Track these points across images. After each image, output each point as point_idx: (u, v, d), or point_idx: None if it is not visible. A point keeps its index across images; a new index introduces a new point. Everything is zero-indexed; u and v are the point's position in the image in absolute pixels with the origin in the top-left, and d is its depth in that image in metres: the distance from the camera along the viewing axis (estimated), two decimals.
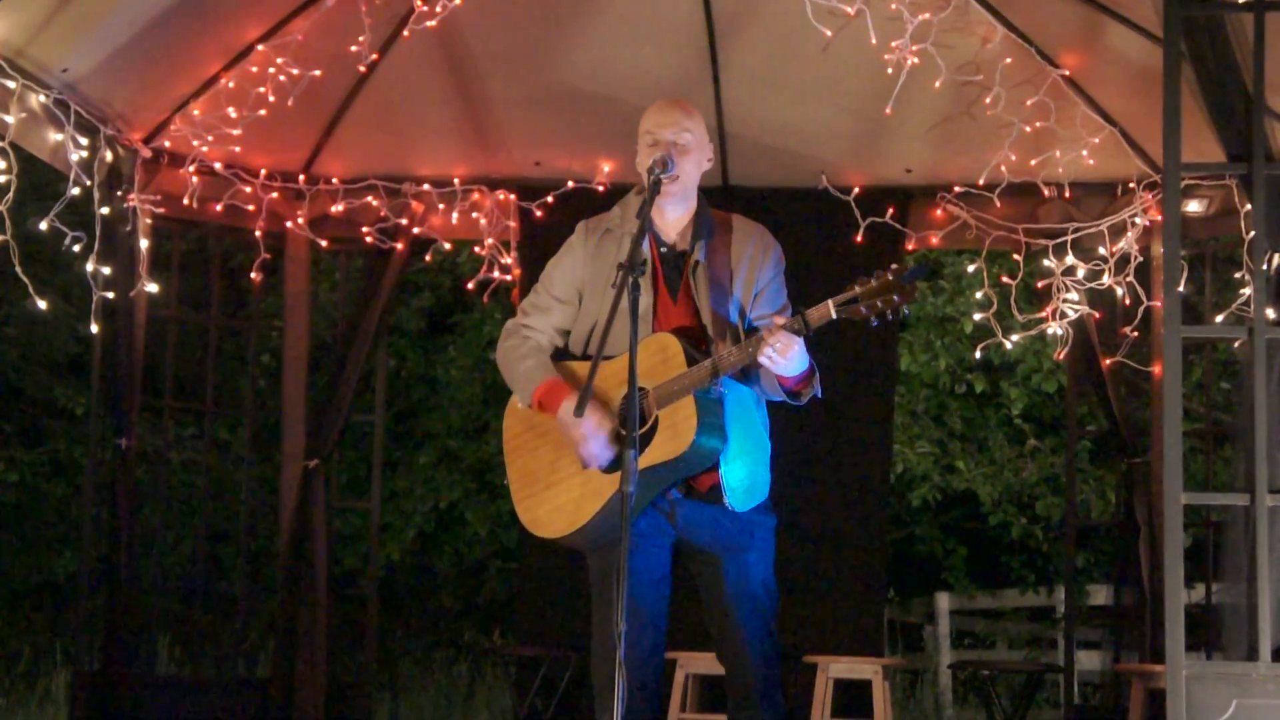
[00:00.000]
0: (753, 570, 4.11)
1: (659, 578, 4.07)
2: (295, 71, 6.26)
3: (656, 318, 4.10)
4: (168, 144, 6.60)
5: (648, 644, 4.00)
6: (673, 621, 4.13)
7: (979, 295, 7.13)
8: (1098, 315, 6.72)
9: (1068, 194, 6.73)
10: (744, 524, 4.10)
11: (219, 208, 6.81)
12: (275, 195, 6.97)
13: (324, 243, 7.10)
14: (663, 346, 4.00)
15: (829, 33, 5.82)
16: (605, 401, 4.04)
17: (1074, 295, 6.68)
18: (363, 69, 6.50)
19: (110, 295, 6.28)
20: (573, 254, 4.26)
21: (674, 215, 4.20)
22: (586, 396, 3.78)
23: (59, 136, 5.90)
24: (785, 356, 3.86)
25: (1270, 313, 5.46)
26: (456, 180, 7.05)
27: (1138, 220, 6.62)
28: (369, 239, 7.04)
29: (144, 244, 6.57)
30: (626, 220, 4.19)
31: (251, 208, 6.89)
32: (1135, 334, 6.63)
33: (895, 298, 3.76)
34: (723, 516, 4.06)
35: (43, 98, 5.77)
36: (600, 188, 6.95)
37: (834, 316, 3.83)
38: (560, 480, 4.11)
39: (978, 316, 7.37)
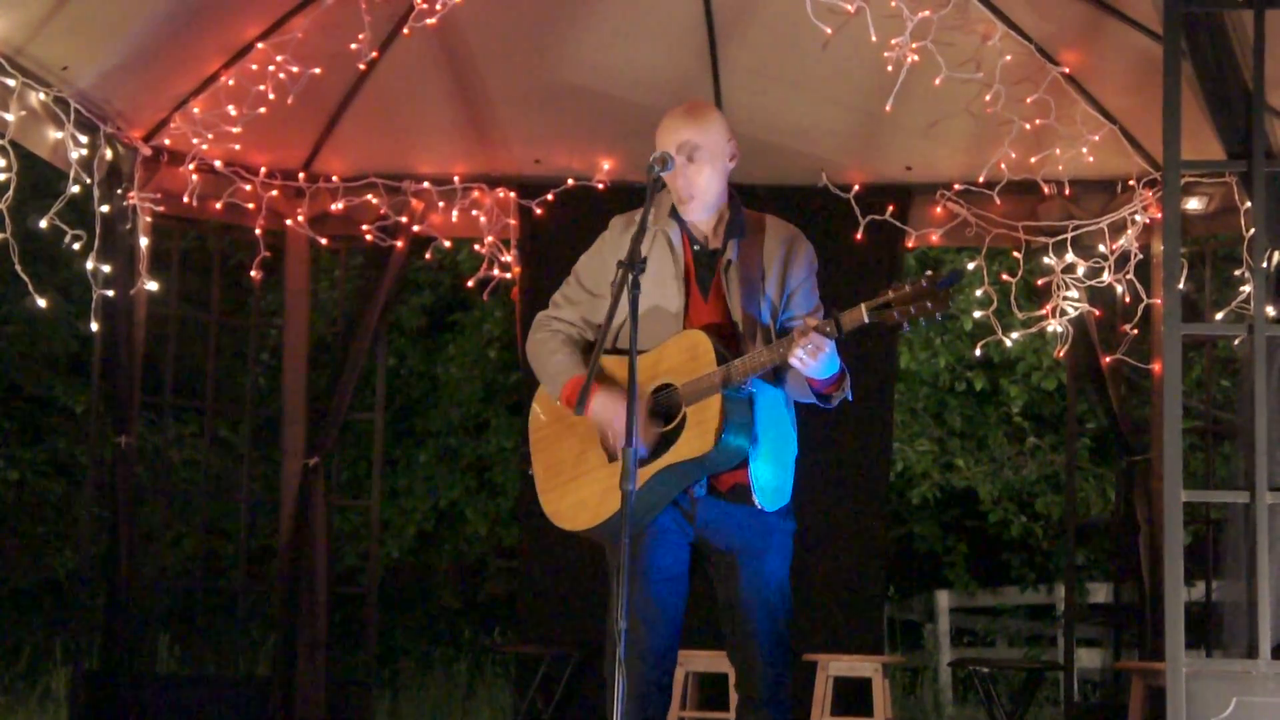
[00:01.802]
0: (769, 574, 4.12)
1: (677, 575, 4.07)
2: (295, 69, 6.26)
3: (688, 315, 4.10)
4: (168, 142, 6.60)
5: (662, 641, 3.99)
6: None
7: (979, 293, 7.15)
8: (1098, 313, 6.72)
9: (1068, 191, 6.73)
10: (764, 527, 4.10)
11: (219, 206, 6.81)
12: (275, 193, 6.97)
13: (324, 240, 7.10)
14: (694, 344, 4.01)
15: (829, 30, 5.82)
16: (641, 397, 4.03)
17: (1074, 293, 6.68)
18: (363, 67, 6.50)
19: (110, 293, 6.28)
20: (603, 248, 4.26)
21: (704, 216, 4.19)
22: (586, 396, 3.78)
23: (59, 134, 5.90)
24: (815, 359, 3.85)
25: (1270, 310, 5.47)
26: (456, 178, 7.05)
27: (1138, 218, 6.62)
28: (369, 237, 7.04)
29: (144, 242, 6.56)
30: (658, 217, 4.19)
31: (251, 206, 6.89)
32: (1135, 331, 6.63)
33: (929, 304, 3.74)
34: (743, 517, 4.07)
35: (43, 96, 5.77)
36: (600, 185, 6.95)
37: (866, 321, 3.82)
38: (586, 473, 4.12)
39: (977, 314, 7.38)
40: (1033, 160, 6.53)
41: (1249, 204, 5.45)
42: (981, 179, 6.70)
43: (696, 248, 4.17)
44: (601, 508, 4.06)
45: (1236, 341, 6.95)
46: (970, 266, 6.97)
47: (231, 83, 6.37)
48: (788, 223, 4.28)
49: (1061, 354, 6.93)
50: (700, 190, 4.11)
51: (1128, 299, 6.61)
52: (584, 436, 4.15)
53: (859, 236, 6.84)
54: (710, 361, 3.96)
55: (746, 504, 4.06)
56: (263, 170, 6.92)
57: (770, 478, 4.06)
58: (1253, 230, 4.81)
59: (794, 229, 4.27)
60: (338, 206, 7.01)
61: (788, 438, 4.13)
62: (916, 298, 3.76)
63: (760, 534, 4.10)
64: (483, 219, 7.06)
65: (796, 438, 4.19)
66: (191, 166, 6.68)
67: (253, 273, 7.11)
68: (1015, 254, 6.84)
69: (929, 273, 3.79)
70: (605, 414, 4.02)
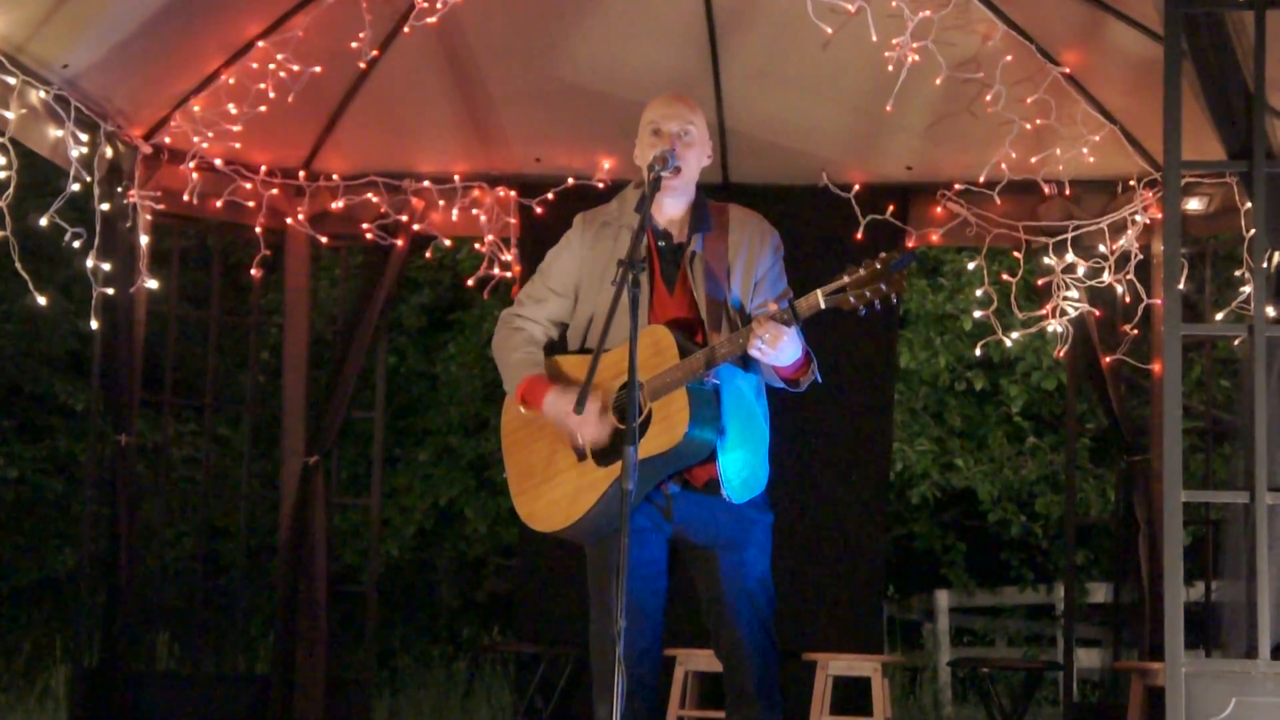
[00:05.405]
0: (749, 568, 4.11)
1: (655, 572, 4.07)
2: (296, 68, 6.26)
3: (653, 310, 4.10)
4: (168, 140, 6.60)
5: (644, 639, 3.99)
6: (672, 618, 4.14)
7: (979, 293, 7.13)
8: (1098, 313, 6.72)
9: (1068, 191, 6.73)
10: (741, 520, 4.10)
11: (219, 204, 6.81)
12: (275, 191, 6.97)
13: (324, 239, 7.10)
14: (656, 339, 4.01)
15: (829, 30, 5.81)
16: (603, 393, 4.05)
17: (1074, 293, 6.68)
18: (363, 65, 6.50)
19: (110, 291, 6.28)
20: (570, 247, 4.27)
21: (672, 208, 4.21)
22: (586, 394, 3.78)
23: (59, 132, 5.90)
24: (775, 347, 3.86)
25: (1270, 310, 5.47)
26: (457, 177, 7.05)
27: (1138, 218, 6.62)
28: (369, 235, 7.04)
29: (144, 240, 6.57)
30: (624, 214, 4.20)
31: (252, 204, 6.89)
32: (1135, 332, 6.63)
33: (883, 287, 3.76)
34: (720, 511, 4.07)
35: (43, 94, 5.77)
36: (601, 184, 6.95)
37: (822, 306, 3.83)
38: (556, 474, 4.12)
39: (978, 314, 7.37)
40: (1033, 160, 6.53)
41: (1249, 204, 5.45)
42: (982, 179, 6.70)
43: (661, 243, 4.18)
44: (573, 508, 4.06)
45: (1236, 342, 6.95)
46: (971, 266, 6.96)
47: (232, 81, 6.37)
48: (752, 211, 4.29)
49: (1061, 354, 6.92)
50: (685, 166, 4.13)
51: (1128, 299, 6.61)
52: (554, 438, 4.14)
53: (859, 236, 6.84)
54: (673, 355, 3.97)
55: (722, 498, 4.05)
56: (263, 169, 6.92)
57: (739, 470, 4.04)
58: (1253, 231, 4.81)
59: (758, 216, 4.28)
60: (338, 205, 7.01)
61: (758, 427, 4.12)
62: (871, 280, 3.77)
63: (738, 527, 4.09)
64: (483, 218, 7.06)
65: (768, 428, 4.16)
66: (192, 165, 6.68)
67: (253, 271, 7.11)
68: (1015, 254, 6.84)
69: (883, 255, 3.80)
70: (554, 411, 4.04)
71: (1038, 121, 6.33)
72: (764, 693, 4.09)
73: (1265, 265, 4.72)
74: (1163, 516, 4.43)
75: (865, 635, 6.89)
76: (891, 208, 6.87)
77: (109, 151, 6.27)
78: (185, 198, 6.69)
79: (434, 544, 12.37)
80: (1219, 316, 6.61)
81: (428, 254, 7.40)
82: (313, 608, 6.98)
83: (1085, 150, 6.44)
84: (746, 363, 4.07)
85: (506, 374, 4.24)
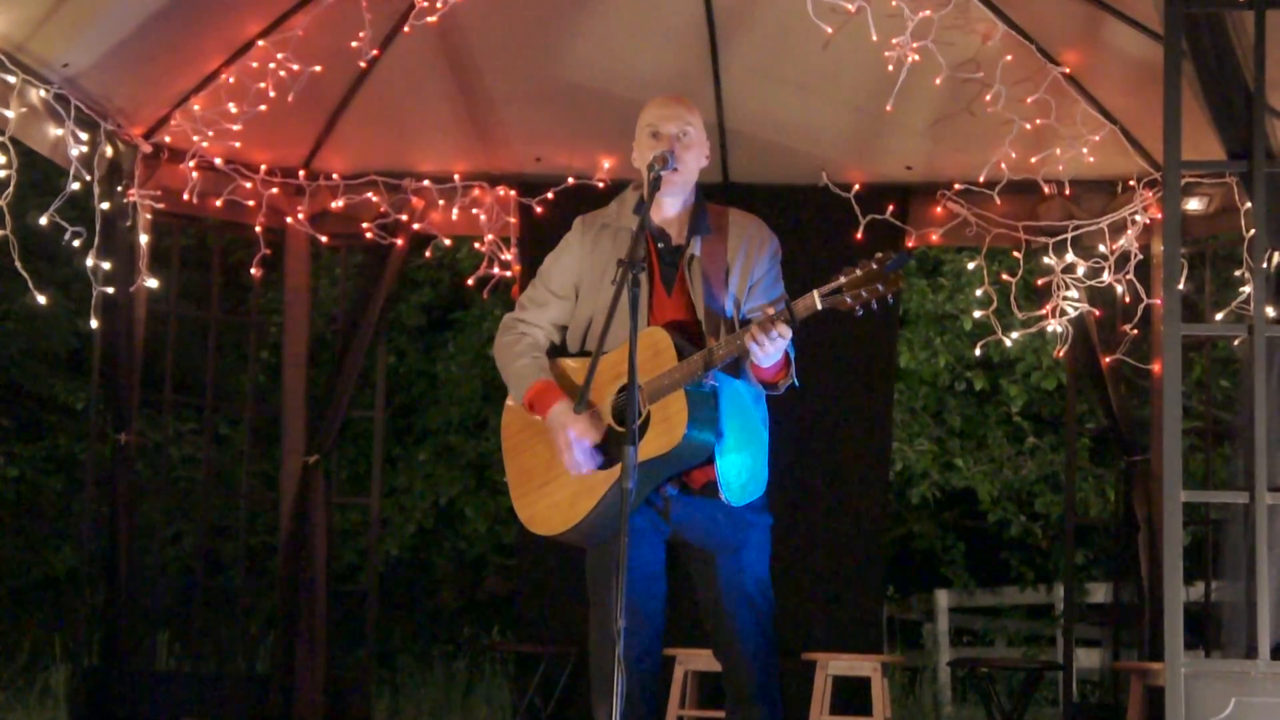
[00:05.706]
0: (747, 569, 4.12)
1: (653, 574, 4.07)
2: (296, 67, 6.26)
3: (651, 312, 4.10)
4: (168, 139, 6.60)
5: (643, 640, 4.00)
6: (672, 618, 4.14)
7: (979, 292, 7.14)
8: (1098, 313, 6.73)
9: (1068, 191, 6.73)
10: (739, 522, 4.10)
11: (219, 203, 6.81)
12: (275, 191, 6.97)
13: (324, 238, 7.10)
14: (654, 341, 4.01)
15: (830, 29, 5.82)
16: (599, 398, 4.05)
17: (1074, 293, 6.68)
18: (363, 65, 6.50)
19: (110, 290, 6.28)
20: (570, 250, 4.27)
21: (671, 210, 4.20)
22: (586, 393, 3.78)
23: (59, 131, 5.90)
24: (774, 348, 3.87)
25: (1270, 311, 5.47)
26: (457, 176, 7.05)
27: (1138, 218, 6.62)
28: (369, 235, 7.04)
29: (144, 239, 6.57)
30: (623, 216, 4.20)
31: (252, 203, 6.89)
32: (1135, 332, 6.63)
33: (880, 287, 3.75)
34: (718, 513, 4.07)
35: (43, 93, 5.77)
36: (601, 184, 6.95)
37: (819, 307, 3.83)
38: (556, 477, 4.12)
39: (977, 314, 7.38)
40: (1033, 160, 6.53)
41: (1249, 204, 5.45)
42: (982, 179, 6.70)
43: (660, 245, 4.18)
44: (573, 511, 4.06)
45: (1236, 342, 6.96)
46: (970, 266, 6.96)
47: (232, 80, 6.37)
48: (752, 215, 4.29)
49: (1061, 354, 6.93)
50: (684, 167, 4.13)
51: (1128, 299, 6.61)
52: (554, 442, 4.14)
53: (859, 236, 6.84)
54: (671, 358, 3.97)
55: (720, 500, 4.04)
56: (263, 168, 6.93)
57: (738, 473, 4.04)
58: (1253, 231, 4.81)
59: (758, 220, 4.27)
60: (338, 204, 7.01)
61: (756, 431, 4.11)
62: (868, 280, 3.77)
63: (736, 530, 4.09)
64: (483, 217, 7.06)
65: (767, 432, 4.17)
66: (192, 164, 6.68)
67: (253, 270, 7.10)
68: (1015, 254, 6.84)
69: (879, 255, 3.79)
70: (556, 424, 4.04)
71: (1038, 121, 6.33)
72: (763, 694, 4.09)
73: (1265, 265, 4.72)
74: (1162, 516, 4.43)
75: (865, 635, 6.89)
76: (891, 207, 6.87)
77: (109, 150, 6.27)
78: (185, 197, 6.69)
79: (434, 543, 12.36)
80: (1219, 316, 6.61)
81: (427, 253, 7.40)
82: (313, 607, 6.98)
83: (1085, 150, 6.44)
84: (737, 368, 4.07)
85: (512, 380, 4.23)
